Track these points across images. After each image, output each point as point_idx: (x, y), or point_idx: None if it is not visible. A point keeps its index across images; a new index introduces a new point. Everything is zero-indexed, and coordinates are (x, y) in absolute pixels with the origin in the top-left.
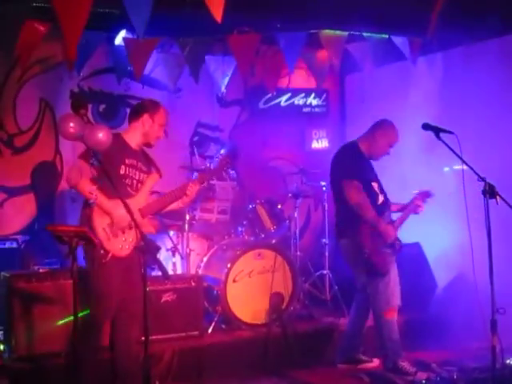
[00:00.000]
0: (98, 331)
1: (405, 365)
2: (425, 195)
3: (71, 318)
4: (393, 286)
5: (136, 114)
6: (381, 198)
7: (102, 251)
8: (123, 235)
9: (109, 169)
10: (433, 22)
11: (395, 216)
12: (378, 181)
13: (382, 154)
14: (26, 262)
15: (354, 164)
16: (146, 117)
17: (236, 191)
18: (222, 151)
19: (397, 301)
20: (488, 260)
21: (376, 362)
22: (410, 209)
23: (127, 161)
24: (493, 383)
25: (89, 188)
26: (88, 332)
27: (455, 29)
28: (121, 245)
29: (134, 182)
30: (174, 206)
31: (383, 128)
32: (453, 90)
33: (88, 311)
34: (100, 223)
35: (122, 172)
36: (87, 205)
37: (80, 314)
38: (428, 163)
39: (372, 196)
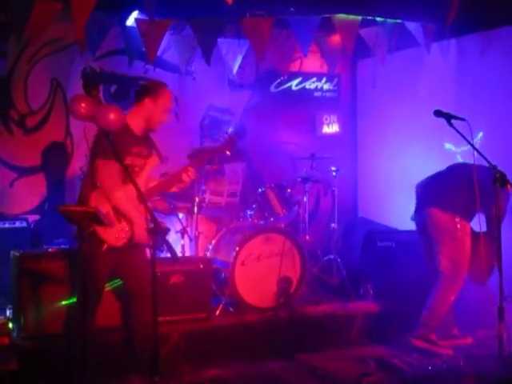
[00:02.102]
0: (89, 316)
1: (434, 337)
2: None
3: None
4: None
5: (138, 97)
6: None
7: (98, 240)
8: (119, 224)
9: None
10: (454, 9)
11: None
12: None
13: None
14: (36, 241)
15: None
16: (147, 101)
17: (245, 174)
18: (230, 129)
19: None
20: (496, 247)
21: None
22: None
23: (132, 149)
24: (500, 371)
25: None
26: (80, 315)
27: (470, 15)
28: (117, 234)
29: (136, 169)
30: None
31: None
32: (466, 76)
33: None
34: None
35: (127, 162)
36: (89, 186)
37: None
38: (440, 150)
39: None
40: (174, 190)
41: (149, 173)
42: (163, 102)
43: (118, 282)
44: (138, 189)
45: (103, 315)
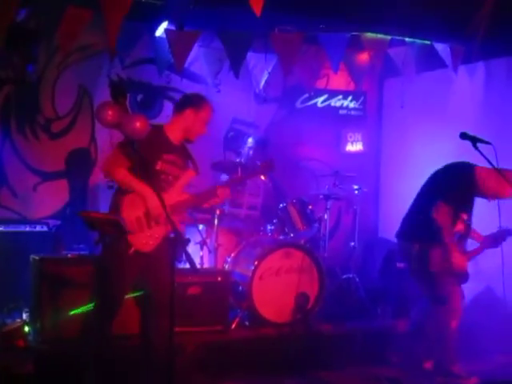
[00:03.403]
0: (107, 320)
1: (457, 369)
2: (507, 233)
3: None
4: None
5: (179, 107)
6: (460, 226)
7: (125, 244)
8: (149, 230)
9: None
10: (481, 28)
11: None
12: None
13: None
14: (56, 246)
15: (460, 193)
16: (189, 111)
17: (267, 188)
18: (250, 140)
19: (460, 313)
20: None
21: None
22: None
23: (165, 156)
24: None
25: (122, 175)
26: (97, 321)
27: (498, 39)
28: (145, 240)
29: (170, 177)
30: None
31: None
32: (493, 99)
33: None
34: (128, 215)
35: (157, 167)
36: (120, 192)
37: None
38: None
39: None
40: (205, 205)
41: (183, 185)
42: (204, 114)
43: (139, 292)
44: (159, 195)
45: (119, 322)
